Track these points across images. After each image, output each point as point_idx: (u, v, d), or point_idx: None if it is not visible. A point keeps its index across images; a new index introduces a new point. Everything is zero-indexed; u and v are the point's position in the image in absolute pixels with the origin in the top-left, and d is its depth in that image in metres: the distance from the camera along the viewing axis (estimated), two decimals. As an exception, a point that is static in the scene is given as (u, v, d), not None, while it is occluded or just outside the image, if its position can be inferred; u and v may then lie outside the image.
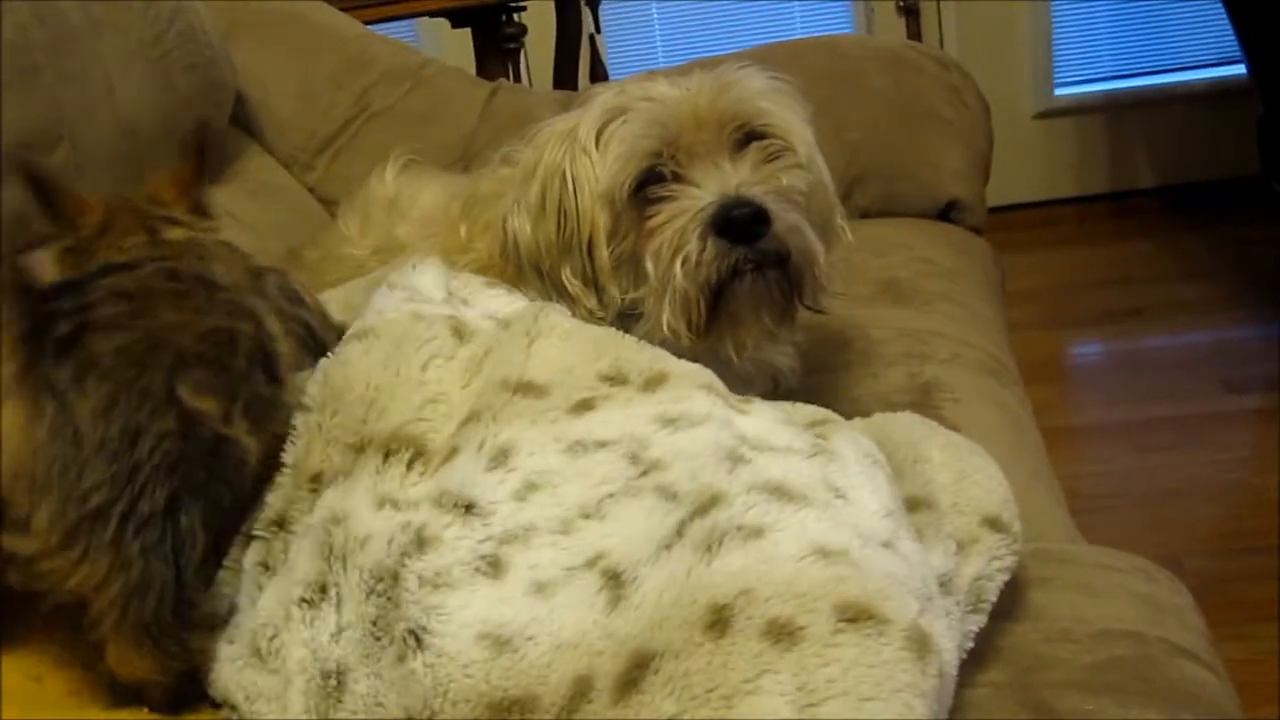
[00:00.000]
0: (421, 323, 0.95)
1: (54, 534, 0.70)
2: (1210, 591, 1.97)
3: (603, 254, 1.05)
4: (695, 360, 0.94)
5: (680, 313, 1.02)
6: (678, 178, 1.04)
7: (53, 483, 0.70)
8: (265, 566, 0.85)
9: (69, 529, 0.70)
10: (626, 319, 1.05)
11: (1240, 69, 2.84)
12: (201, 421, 0.77)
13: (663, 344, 0.98)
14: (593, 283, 1.07)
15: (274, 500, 0.87)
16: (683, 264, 1.01)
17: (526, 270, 1.09)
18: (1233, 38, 2.71)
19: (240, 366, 0.82)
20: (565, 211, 1.06)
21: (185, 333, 0.78)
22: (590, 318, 1.05)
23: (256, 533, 0.87)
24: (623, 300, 1.06)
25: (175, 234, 0.92)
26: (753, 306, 1.04)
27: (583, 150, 1.06)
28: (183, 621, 0.77)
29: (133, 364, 0.74)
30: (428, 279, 1.03)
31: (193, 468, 0.76)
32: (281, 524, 0.86)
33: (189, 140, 1.00)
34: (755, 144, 1.06)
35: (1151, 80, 3.79)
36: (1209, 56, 3.71)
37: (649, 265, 1.03)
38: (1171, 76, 3.77)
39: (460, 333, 0.94)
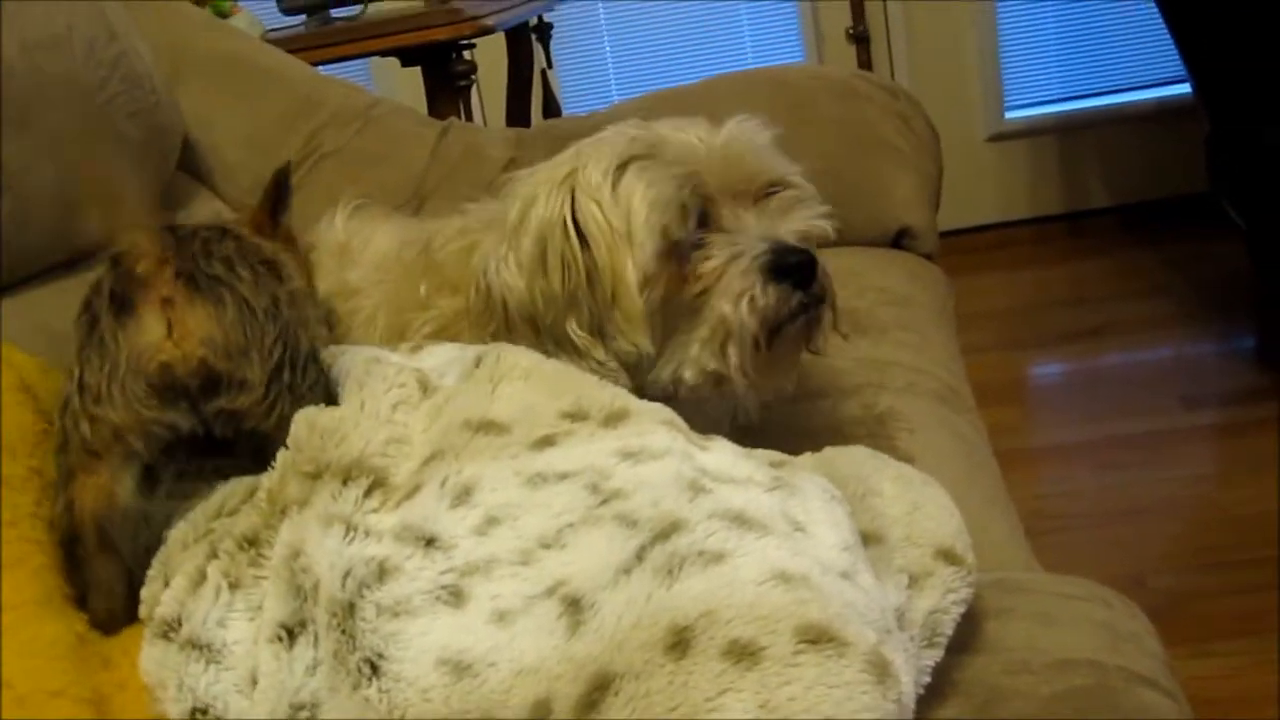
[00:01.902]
0: (383, 365, 0.95)
1: (260, 383, 0.90)
2: (1175, 609, 1.99)
3: (633, 303, 1.02)
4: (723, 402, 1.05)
5: (740, 353, 1.02)
6: (706, 224, 1.04)
7: (249, 342, 0.91)
8: (227, 576, 0.85)
9: (268, 376, 0.91)
10: (634, 368, 1.05)
11: (1186, 88, 2.88)
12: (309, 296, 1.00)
13: (687, 390, 1.03)
14: (599, 333, 1.05)
15: (251, 517, 0.87)
16: (749, 305, 1.01)
17: (519, 326, 1.06)
18: (1177, 58, 2.74)
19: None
20: (569, 263, 1.03)
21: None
22: (601, 369, 1.03)
23: (224, 549, 0.87)
24: (637, 350, 1.04)
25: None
26: (798, 347, 1.07)
27: (592, 199, 1.04)
28: None
29: (252, 257, 0.95)
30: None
31: (313, 330, 0.98)
32: (253, 542, 0.86)
33: (268, 186, 1.15)
34: (776, 193, 1.07)
35: (1100, 101, 3.84)
36: (1155, 76, 3.76)
37: (714, 308, 1.02)
38: (1119, 97, 3.82)
39: (425, 386, 0.94)
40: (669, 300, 1.03)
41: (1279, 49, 2.34)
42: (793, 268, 1.02)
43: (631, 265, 1.02)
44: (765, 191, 1.07)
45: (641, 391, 1.01)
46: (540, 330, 1.05)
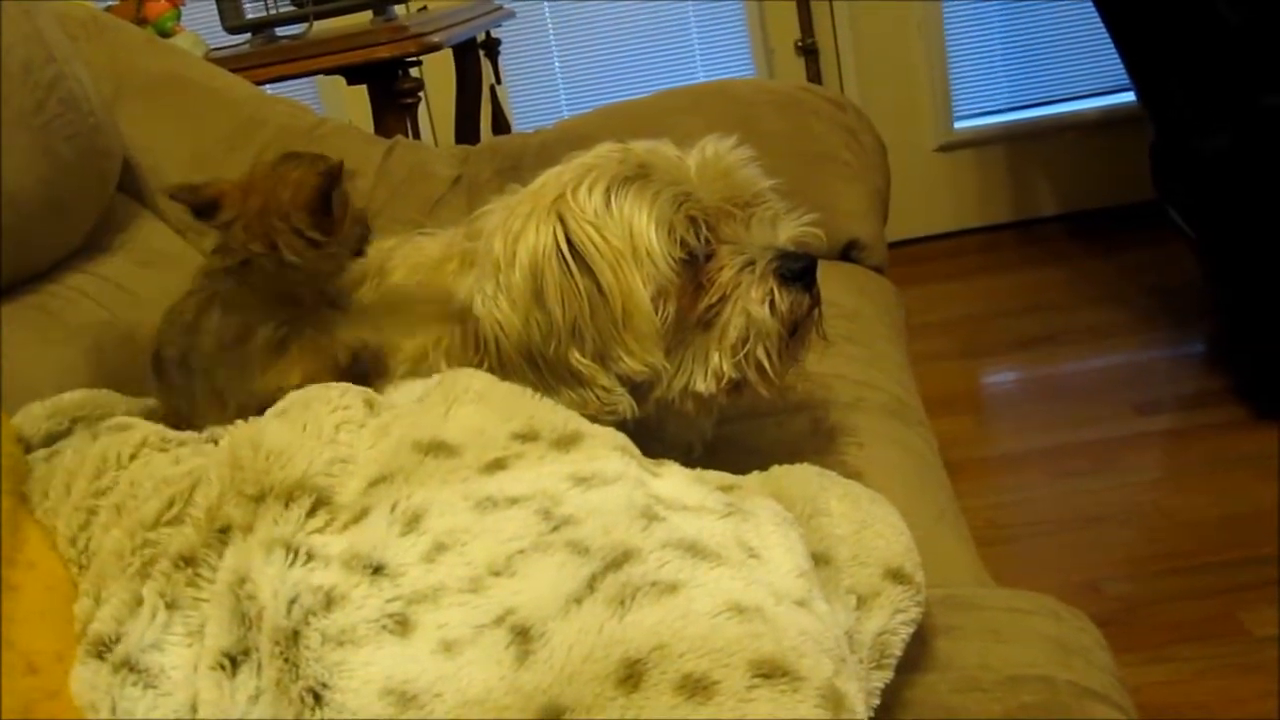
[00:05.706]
0: (329, 389, 0.93)
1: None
2: (1131, 615, 2.00)
3: (646, 320, 1.02)
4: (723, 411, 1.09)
5: (768, 355, 1.04)
6: (708, 236, 1.04)
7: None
8: (163, 596, 0.83)
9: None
10: (636, 389, 1.04)
11: (1131, 96, 2.90)
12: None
13: (694, 403, 1.05)
14: (601, 359, 1.03)
15: (187, 533, 0.85)
16: (771, 310, 1.03)
17: (513, 361, 1.04)
18: (1122, 67, 2.77)
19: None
20: (568, 292, 1.02)
21: None
22: (606, 395, 1.02)
23: (160, 570, 0.84)
24: (650, 368, 1.03)
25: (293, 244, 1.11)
26: (806, 347, 1.10)
27: (587, 223, 1.02)
28: None
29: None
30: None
31: None
32: (190, 561, 0.83)
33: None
34: (759, 205, 1.08)
35: (1047, 110, 3.87)
36: (1101, 85, 3.80)
37: (737, 314, 1.03)
38: (1066, 106, 3.86)
39: (372, 405, 0.93)
40: (680, 314, 1.03)
41: (1220, 57, 2.36)
42: (800, 272, 1.05)
43: (642, 282, 1.01)
44: (751, 205, 1.08)
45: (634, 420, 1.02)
46: (538, 364, 1.03)
